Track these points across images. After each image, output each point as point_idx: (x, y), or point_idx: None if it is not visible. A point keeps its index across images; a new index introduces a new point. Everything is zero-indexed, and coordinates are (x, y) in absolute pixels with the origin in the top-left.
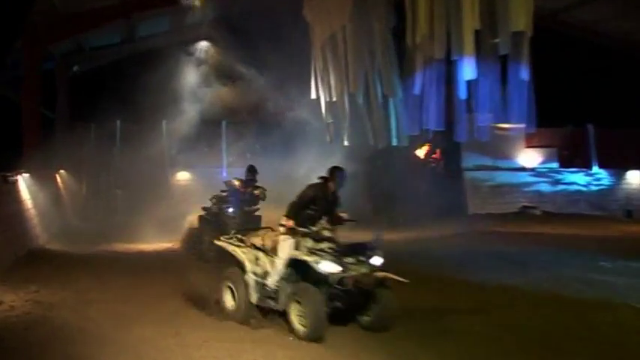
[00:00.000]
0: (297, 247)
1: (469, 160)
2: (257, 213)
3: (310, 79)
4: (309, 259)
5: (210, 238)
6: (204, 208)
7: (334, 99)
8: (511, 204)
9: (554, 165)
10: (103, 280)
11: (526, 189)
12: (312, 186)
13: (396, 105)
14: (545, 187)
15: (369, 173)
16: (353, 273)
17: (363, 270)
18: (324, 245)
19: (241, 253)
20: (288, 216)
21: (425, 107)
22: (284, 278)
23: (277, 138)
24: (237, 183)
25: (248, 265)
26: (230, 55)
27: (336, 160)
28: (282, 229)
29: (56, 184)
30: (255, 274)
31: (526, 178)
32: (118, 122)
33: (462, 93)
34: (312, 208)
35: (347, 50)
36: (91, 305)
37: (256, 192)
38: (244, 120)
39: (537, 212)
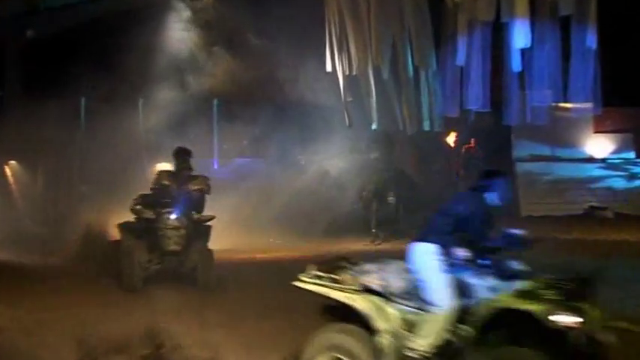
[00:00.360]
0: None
1: (521, 149)
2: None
3: (324, 49)
4: (533, 307)
5: (143, 257)
6: (134, 211)
7: (354, 72)
8: (575, 204)
9: (630, 155)
10: (62, 297)
11: (594, 185)
12: (464, 197)
13: (429, 80)
14: (618, 183)
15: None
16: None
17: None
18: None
19: (362, 301)
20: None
21: (466, 82)
22: (453, 339)
23: (282, 122)
24: (164, 175)
25: (382, 323)
26: (226, 16)
27: (355, 148)
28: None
29: (5, 178)
30: (393, 334)
31: (594, 171)
32: (83, 100)
33: (515, 64)
34: (463, 229)
35: (370, 12)
36: (47, 328)
37: (195, 187)
38: (241, 99)
39: (609, 214)
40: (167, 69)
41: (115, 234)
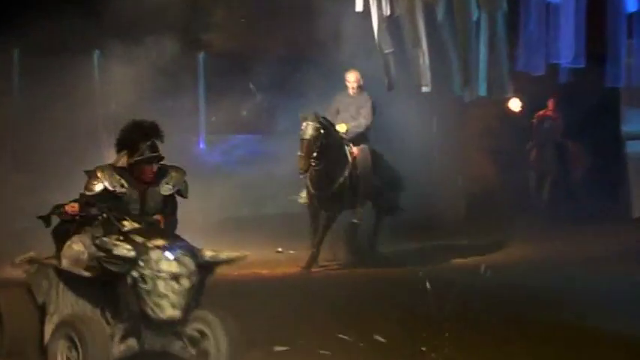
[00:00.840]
0: None
1: (634, 121)
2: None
3: None
4: None
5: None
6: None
7: (397, 13)
8: None
9: None
10: None
11: None
12: None
13: (497, 25)
14: None
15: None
16: None
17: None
18: None
19: None
20: None
21: (555, 27)
22: None
23: (294, 84)
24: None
25: None
26: None
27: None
28: None
29: None
30: None
31: None
32: (16, 54)
33: (626, 3)
34: None
35: None
36: None
37: (168, 185)
38: (238, 52)
39: None
40: (134, 9)
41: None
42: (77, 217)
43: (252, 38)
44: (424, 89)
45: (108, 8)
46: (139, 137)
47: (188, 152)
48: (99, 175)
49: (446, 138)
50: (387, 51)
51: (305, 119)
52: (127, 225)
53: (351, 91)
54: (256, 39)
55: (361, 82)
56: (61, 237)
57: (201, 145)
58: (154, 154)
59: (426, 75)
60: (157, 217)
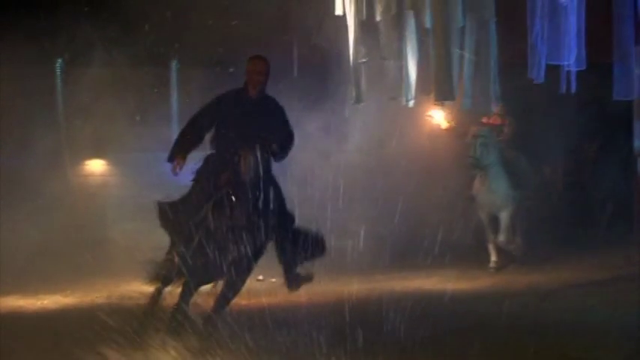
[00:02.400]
0: None
1: None
2: None
3: None
4: None
5: None
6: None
7: (377, 18)
8: None
9: None
10: None
11: None
12: None
13: (489, 34)
14: None
15: None
16: None
17: None
18: None
19: None
20: None
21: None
22: None
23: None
24: None
25: None
26: None
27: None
28: None
29: None
30: None
31: None
32: None
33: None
34: None
35: None
36: None
37: None
38: (215, 60)
39: None
40: (100, 13)
41: None
42: None
43: (229, 45)
44: (410, 103)
45: (73, 17)
46: None
47: (159, 170)
48: None
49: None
50: (360, 60)
51: None
52: None
53: None
54: (234, 47)
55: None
56: None
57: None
58: None
59: (411, 87)
60: None
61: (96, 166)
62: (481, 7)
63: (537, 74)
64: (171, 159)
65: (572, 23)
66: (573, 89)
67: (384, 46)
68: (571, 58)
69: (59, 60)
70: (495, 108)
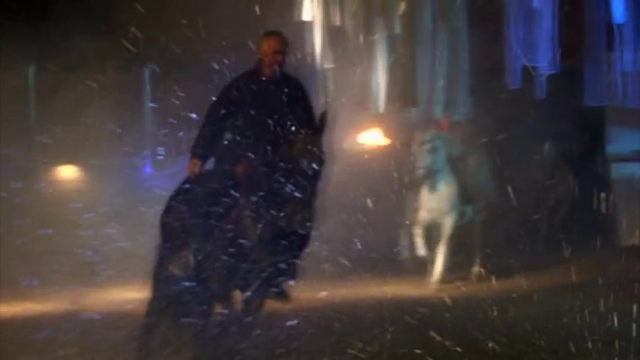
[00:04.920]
0: None
1: (621, 141)
2: None
3: None
4: None
5: None
6: None
7: (346, 23)
8: None
9: None
10: None
11: None
12: None
13: (460, 40)
14: None
15: None
16: None
17: None
18: None
19: None
20: None
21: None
22: None
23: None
24: None
25: None
26: None
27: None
28: None
29: None
30: None
31: None
32: None
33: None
34: None
35: None
36: None
37: None
38: (191, 64)
39: None
40: (70, 18)
41: None
42: None
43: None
44: (378, 110)
45: (45, 21)
46: None
47: (133, 176)
48: None
49: None
50: (328, 66)
51: None
52: None
53: None
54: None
55: None
56: None
57: (148, 169)
58: None
59: (378, 95)
60: None
61: (68, 171)
62: (452, 15)
63: (512, 79)
64: (191, 155)
65: (546, 28)
66: (545, 94)
67: (352, 52)
68: (544, 61)
69: (31, 65)
70: (445, 115)
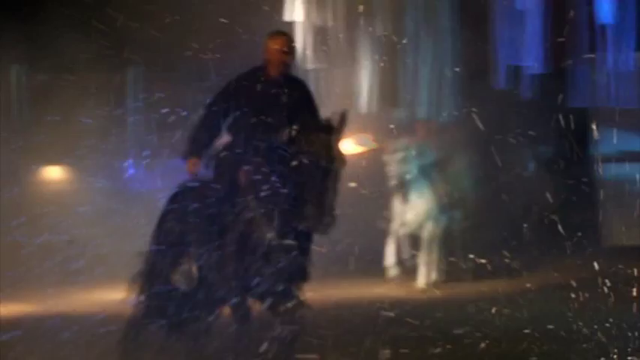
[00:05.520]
0: None
1: (608, 142)
2: None
3: None
4: None
5: None
6: None
7: (330, 23)
8: None
9: None
10: None
11: None
12: None
13: (445, 42)
14: None
15: None
16: None
17: None
18: None
19: None
20: None
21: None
22: None
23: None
24: None
25: None
26: None
27: None
28: None
29: None
30: None
31: None
32: None
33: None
34: None
35: None
36: None
37: None
38: (175, 61)
39: None
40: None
41: None
42: None
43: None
44: (361, 112)
45: (32, 22)
46: None
47: (115, 178)
48: None
49: None
50: (311, 67)
51: None
52: None
53: None
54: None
55: None
56: None
57: (131, 170)
58: None
59: (362, 97)
60: None
61: (53, 172)
62: (437, 16)
63: (498, 80)
64: (185, 157)
65: (533, 28)
66: (532, 94)
67: (336, 53)
68: (531, 61)
69: (15, 66)
70: (420, 120)
